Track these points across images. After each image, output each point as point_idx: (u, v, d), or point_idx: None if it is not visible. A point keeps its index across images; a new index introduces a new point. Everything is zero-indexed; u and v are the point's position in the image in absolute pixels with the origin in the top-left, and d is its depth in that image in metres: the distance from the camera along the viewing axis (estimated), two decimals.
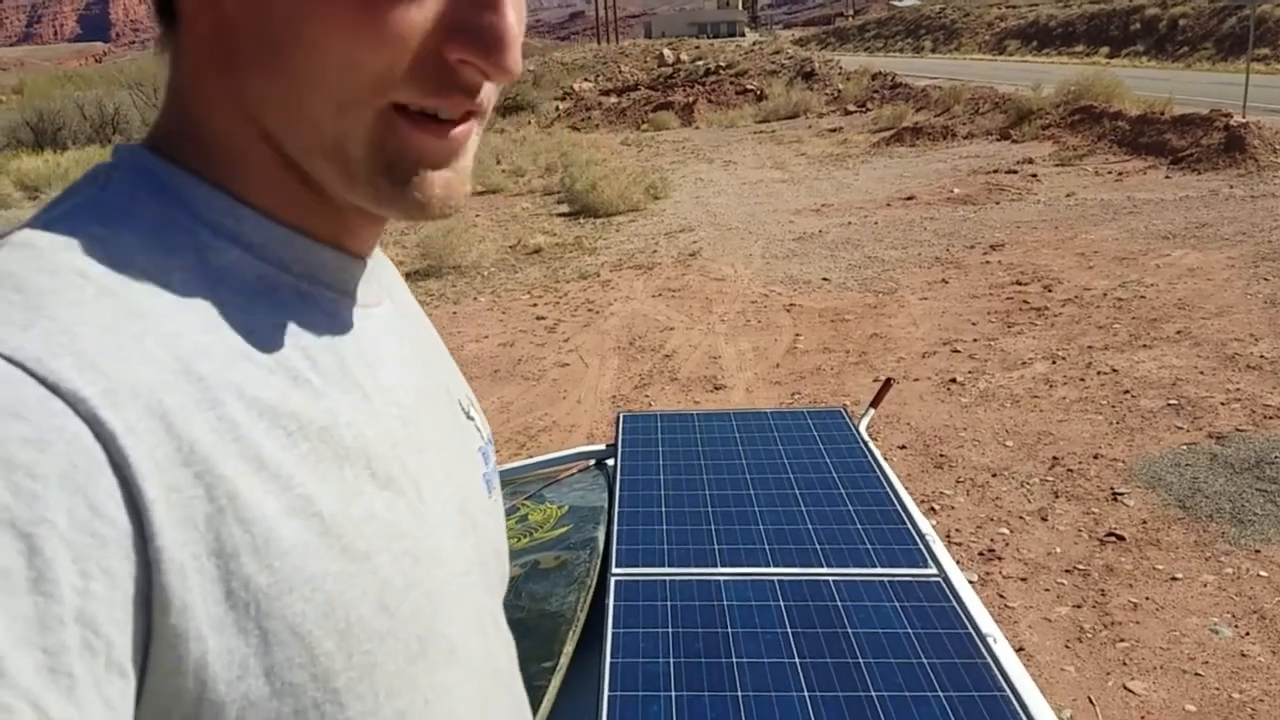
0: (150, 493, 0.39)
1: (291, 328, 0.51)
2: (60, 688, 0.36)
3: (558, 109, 26.61)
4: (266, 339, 0.49)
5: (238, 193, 0.51)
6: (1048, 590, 3.48)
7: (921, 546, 1.58)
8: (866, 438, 2.00)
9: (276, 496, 0.45)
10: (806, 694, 1.23)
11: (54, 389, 0.38)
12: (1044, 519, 3.95)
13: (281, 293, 0.51)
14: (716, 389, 5.64)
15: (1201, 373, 5.20)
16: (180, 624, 0.40)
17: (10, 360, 0.38)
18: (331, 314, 0.54)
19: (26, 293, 0.41)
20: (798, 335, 6.45)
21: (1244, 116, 11.50)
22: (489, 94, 0.51)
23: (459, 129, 0.50)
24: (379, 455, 0.51)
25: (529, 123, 24.44)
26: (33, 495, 0.36)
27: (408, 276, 8.72)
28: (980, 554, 3.73)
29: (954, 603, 1.41)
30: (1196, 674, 2.98)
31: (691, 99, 23.74)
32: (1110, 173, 11.16)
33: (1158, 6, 35.05)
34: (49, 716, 0.35)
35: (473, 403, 0.71)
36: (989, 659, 1.27)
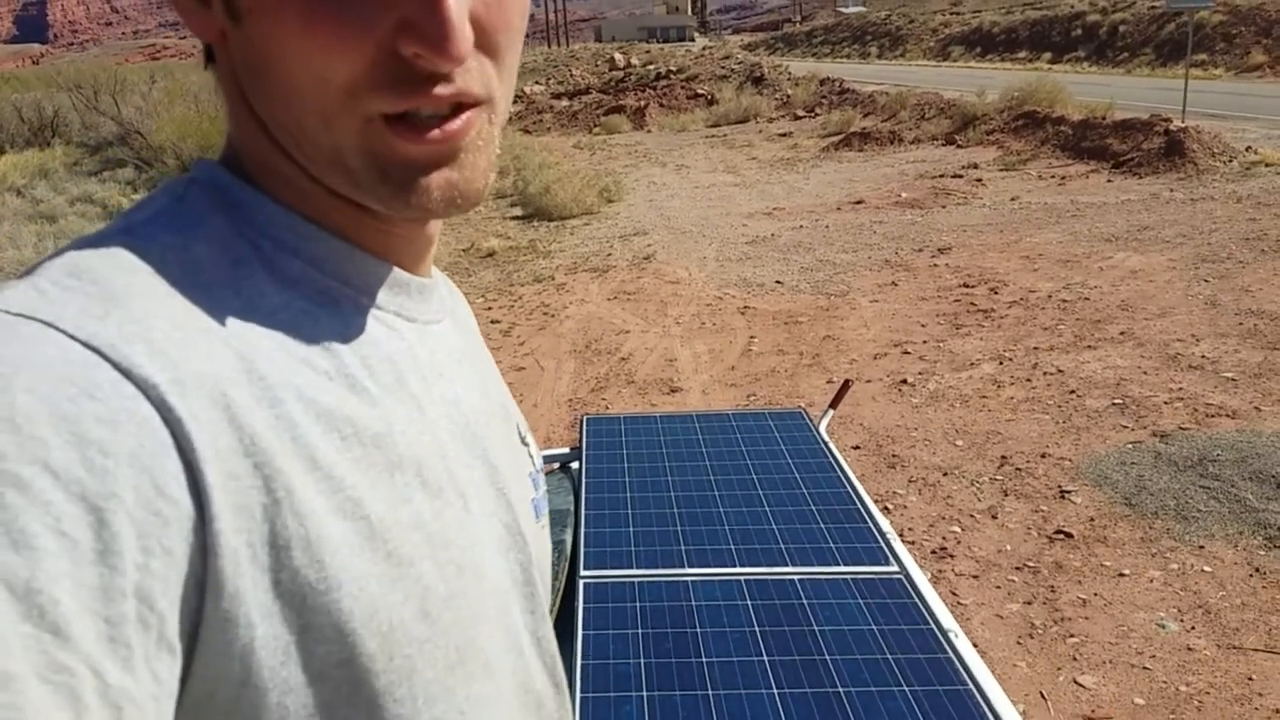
0: (211, 478, 0.41)
1: (351, 338, 0.53)
2: (118, 657, 0.37)
3: (509, 112, 26.53)
4: (326, 347, 0.51)
5: (300, 209, 0.54)
6: (999, 587, 3.55)
7: (883, 544, 1.61)
8: (826, 438, 2.04)
9: (328, 496, 0.46)
10: (775, 691, 1.25)
11: (126, 373, 0.41)
12: (994, 517, 4.03)
13: (342, 305, 0.54)
14: (673, 391, 5.67)
15: (1145, 372, 5.33)
16: (231, 609, 0.42)
17: (87, 345, 0.41)
18: (390, 327, 0.56)
19: (104, 286, 0.44)
20: (752, 337, 6.50)
21: (1183, 121, 11.82)
22: (479, 83, 0.52)
23: (452, 125, 0.51)
24: (429, 465, 0.53)
25: None
26: (104, 471, 0.38)
27: None
28: (933, 552, 3.80)
29: (916, 599, 1.44)
30: (1145, 668, 3.06)
31: (643, 103, 23.80)
32: (1054, 177, 11.40)
33: (1099, 13, 35.84)
34: (106, 683, 0.36)
35: (528, 430, 0.73)
36: (951, 654, 1.31)
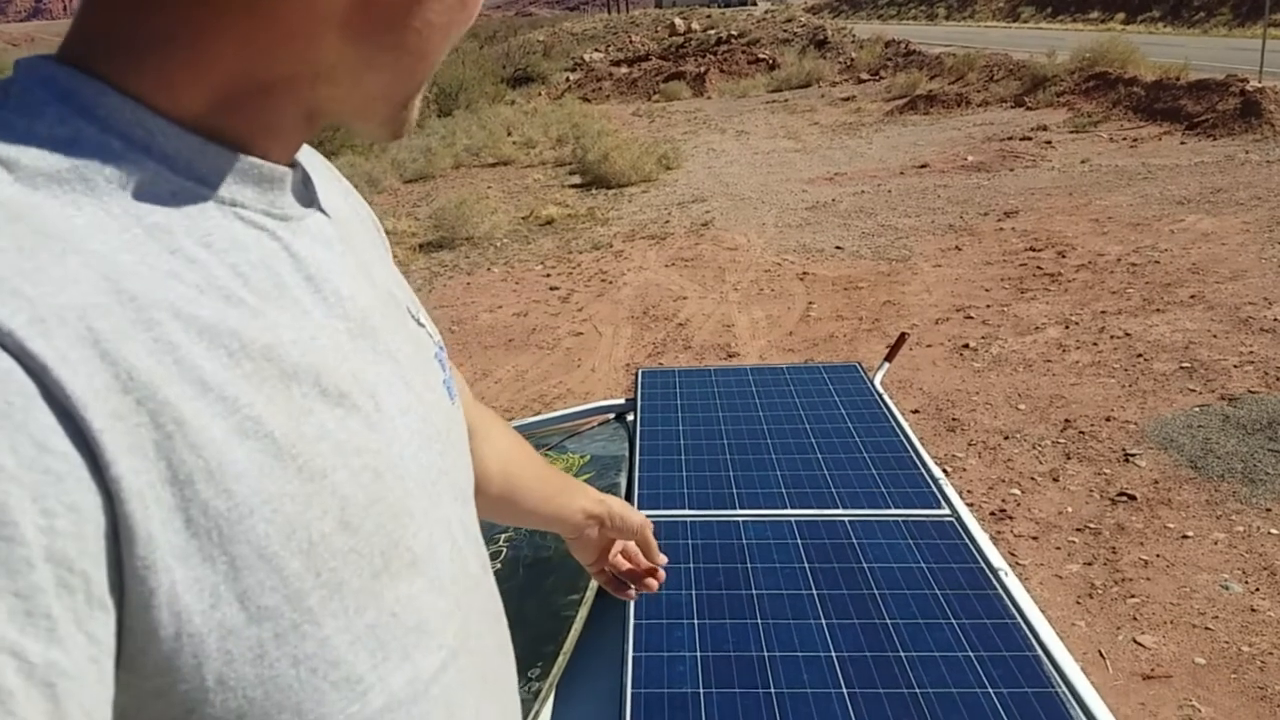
0: (96, 422, 0.38)
1: (218, 245, 0.47)
2: (39, 630, 0.35)
3: (568, 80, 26.48)
4: (191, 258, 0.45)
5: (156, 102, 0.46)
6: (1059, 549, 3.52)
7: (935, 489, 1.62)
8: (881, 390, 2.04)
9: (224, 419, 0.43)
10: (824, 622, 1.28)
11: None
12: (1055, 480, 3.99)
13: (202, 207, 0.48)
14: (730, 356, 5.68)
15: (1215, 336, 5.20)
16: (147, 554, 0.39)
17: None
18: (259, 228, 0.50)
19: None
20: (811, 303, 6.47)
21: (1260, 82, 11.39)
22: None
23: None
24: (328, 371, 0.50)
25: (539, 94, 24.36)
26: None
27: (421, 248, 8.78)
28: (992, 514, 3.78)
29: (966, 540, 1.45)
30: (1206, 628, 3.03)
31: (703, 69, 23.58)
32: (1125, 139, 11.09)
33: None
34: (29, 661, 0.34)
35: (419, 308, 0.70)
36: (1000, 590, 1.32)
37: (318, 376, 0.49)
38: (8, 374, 0.36)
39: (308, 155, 0.63)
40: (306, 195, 0.57)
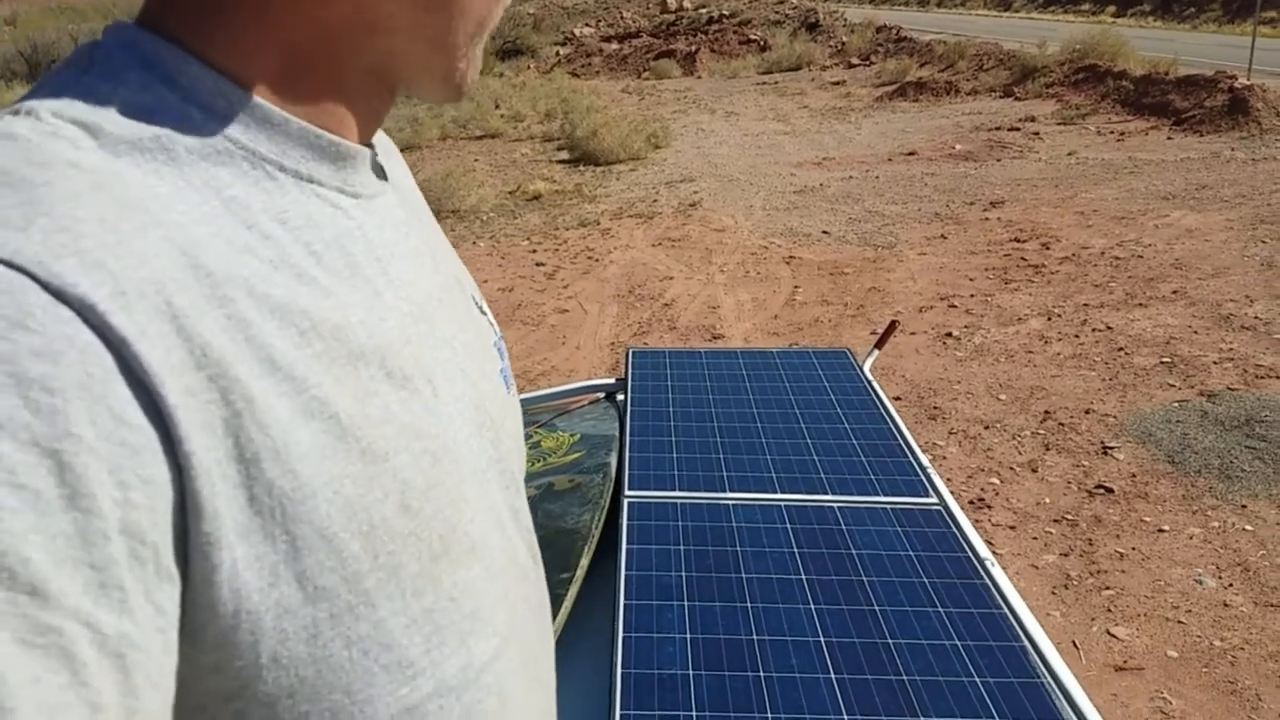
0: (171, 398, 0.38)
1: (293, 222, 0.48)
2: (112, 602, 0.35)
3: (558, 54, 26.30)
4: (267, 234, 0.46)
5: (235, 72, 0.47)
6: (1035, 539, 3.56)
7: (923, 478, 1.63)
8: (870, 377, 2.05)
9: (291, 399, 0.43)
10: (813, 607, 1.28)
11: (59, 295, 0.36)
12: (1034, 470, 4.02)
13: (281, 184, 0.48)
14: (715, 338, 5.69)
15: (1196, 332, 5.25)
16: (212, 530, 0.39)
17: (11, 265, 0.36)
18: (334, 206, 0.51)
19: (19, 188, 0.38)
20: (796, 287, 6.48)
21: (1249, 79, 11.45)
22: None
23: None
24: (393, 353, 0.50)
25: (528, 67, 24.18)
26: (53, 410, 0.34)
27: None
28: (970, 502, 3.81)
29: (954, 529, 1.46)
30: (1179, 622, 3.07)
31: (694, 48, 23.47)
32: (1112, 132, 11.14)
33: None
34: (102, 633, 0.34)
35: (482, 297, 0.70)
36: (987, 580, 1.33)
37: (384, 358, 0.49)
38: (89, 346, 0.36)
39: (379, 136, 0.63)
40: (380, 175, 0.57)
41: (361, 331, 0.48)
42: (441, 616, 0.50)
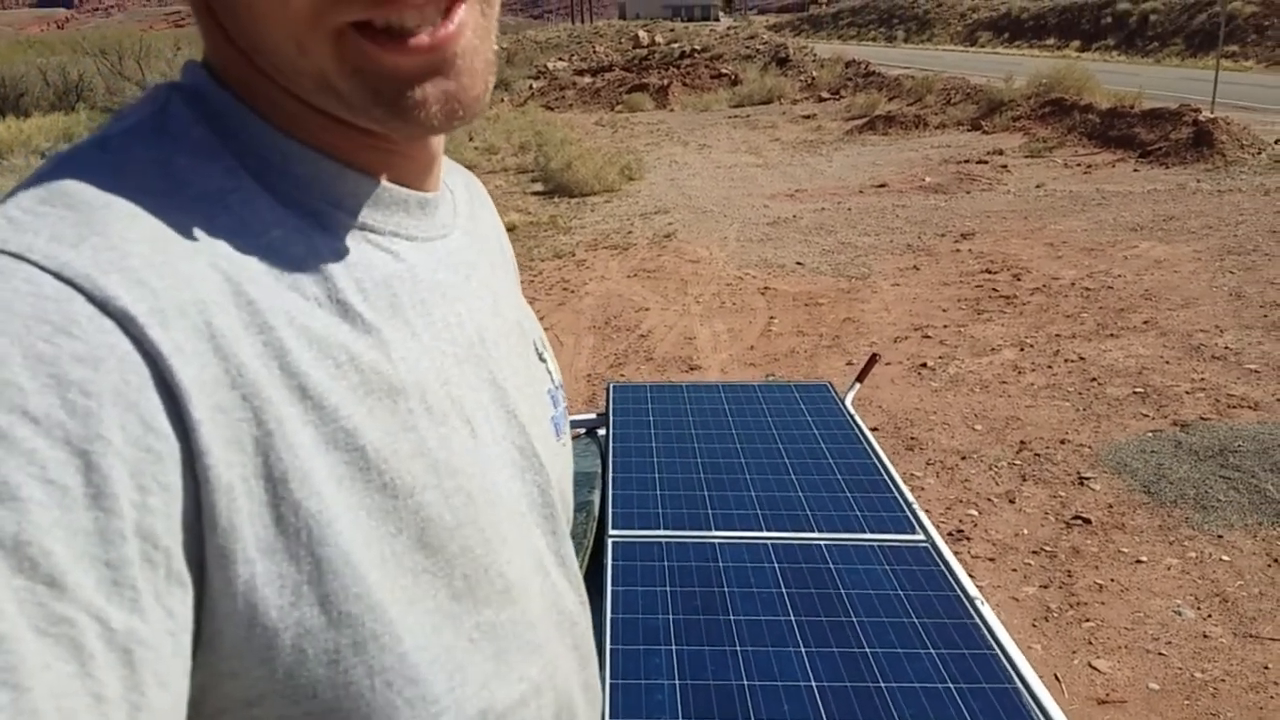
0: (196, 413, 0.39)
1: (344, 262, 0.50)
2: (124, 600, 0.36)
3: (531, 87, 26.43)
4: (318, 272, 0.48)
5: (286, 129, 0.50)
6: (1015, 570, 3.55)
7: (909, 514, 1.62)
8: (852, 410, 2.04)
9: (316, 427, 0.44)
10: (803, 650, 1.26)
11: (103, 306, 0.38)
12: (1011, 501, 4.02)
13: (334, 228, 0.50)
14: (691, 369, 5.68)
15: (1167, 362, 5.30)
16: (227, 545, 0.40)
17: (59, 277, 0.38)
18: (386, 250, 0.52)
19: (78, 210, 0.41)
20: (772, 318, 6.49)
21: (1213, 112, 11.68)
22: None
23: (443, 30, 0.47)
24: (430, 391, 0.51)
25: (502, 100, 24.27)
26: (87, 412, 0.36)
27: None
28: (949, 534, 3.80)
29: (942, 567, 1.45)
30: (1160, 654, 3.06)
31: (666, 81, 23.67)
32: (1079, 165, 11.30)
33: (1129, 1, 35.39)
34: (111, 628, 0.35)
35: (545, 345, 0.71)
36: (977, 619, 1.31)
37: (424, 394, 0.51)
38: (126, 355, 0.38)
39: (464, 180, 0.67)
40: (445, 221, 0.59)
41: (401, 367, 0.49)
42: (463, 656, 0.50)
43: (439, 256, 0.57)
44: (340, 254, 0.50)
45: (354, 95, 0.47)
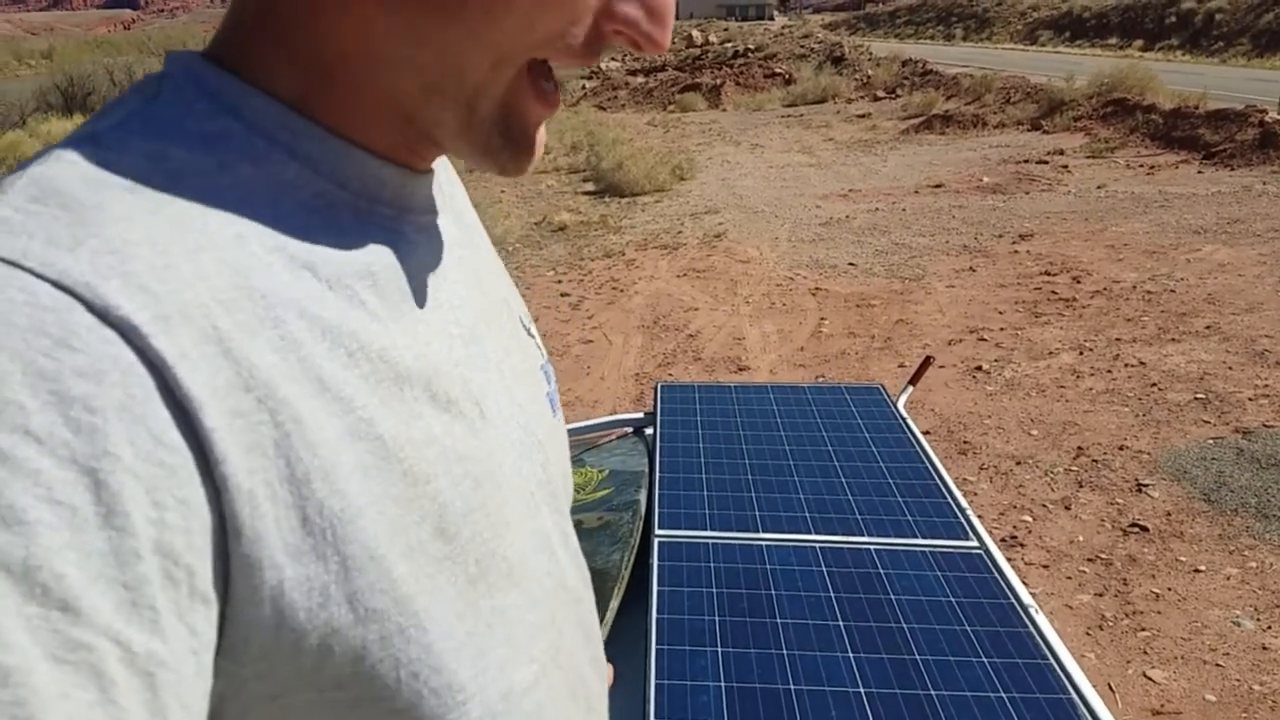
0: (209, 421, 0.38)
1: (349, 246, 0.48)
2: (144, 621, 0.35)
3: (584, 88, 26.51)
4: (324, 257, 0.47)
5: (297, 105, 0.48)
6: (1069, 578, 3.49)
7: (962, 519, 1.59)
8: (905, 414, 2.01)
9: (339, 419, 0.43)
10: (851, 655, 1.25)
11: (103, 316, 0.37)
12: (1067, 508, 3.95)
13: (338, 210, 0.49)
14: (740, 370, 5.65)
15: (1230, 368, 5.17)
16: (253, 553, 0.39)
17: (58, 285, 0.36)
18: (390, 231, 0.51)
19: (73, 209, 0.39)
20: (823, 319, 6.44)
21: (1279, 113, 11.37)
22: None
23: (558, 95, 0.52)
24: (439, 376, 0.50)
25: None
26: (93, 429, 0.35)
27: None
28: (1002, 540, 3.74)
29: (995, 574, 1.42)
30: (1217, 665, 2.99)
31: (719, 81, 23.59)
32: (1142, 166, 11.06)
33: (1194, 0, 34.56)
34: (132, 651, 0.34)
35: (530, 320, 0.70)
36: (1031, 628, 1.29)
37: (429, 381, 0.50)
38: (130, 368, 0.37)
39: (443, 161, 0.64)
40: (437, 201, 0.58)
41: (408, 354, 0.48)
42: (483, 641, 0.50)
43: (435, 237, 0.56)
44: (346, 238, 0.48)
45: (487, 120, 0.49)
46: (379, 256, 0.50)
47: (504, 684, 0.52)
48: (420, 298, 0.52)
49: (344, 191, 0.49)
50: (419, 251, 0.53)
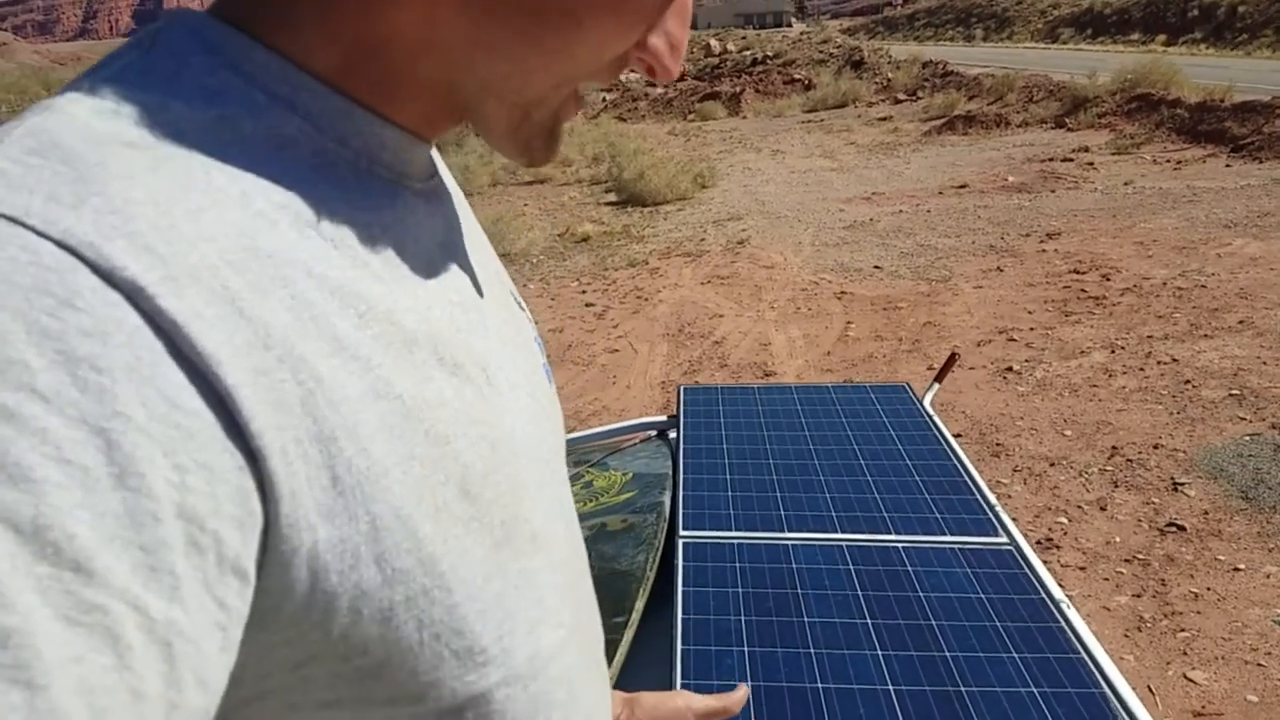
0: (231, 378, 0.37)
1: (352, 206, 0.47)
2: (162, 586, 0.33)
3: (604, 100, 26.60)
4: (326, 217, 0.45)
5: (300, 60, 0.46)
6: (1107, 579, 3.43)
7: (990, 516, 1.56)
8: (931, 411, 1.99)
9: (359, 377, 0.42)
10: (879, 653, 1.23)
11: (108, 277, 0.35)
12: (1103, 508, 3.89)
13: (339, 169, 0.47)
14: (767, 375, 5.62)
15: (1264, 363, 5.08)
16: (291, 513, 0.38)
17: (61, 245, 0.35)
18: (390, 195, 0.50)
19: (73, 164, 0.38)
20: (849, 323, 6.40)
21: None
22: None
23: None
24: (444, 340, 0.49)
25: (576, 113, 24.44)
26: (101, 389, 0.33)
27: None
28: (1038, 542, 3.69)
29: (1026, 570, 1.40)
30: (1259, 665, 2.93)
31: (739, 89, 23.60)
32: (1169, 161, 10.93)
33: None
34: (149, 617, 0.33)
35: (517, 292, 0.69)
36: (1063, 623, 1.26)
37: (435, 345, 0.48)
38: (137, 330, 0.35)
39: None
40: (434, 165, 0.58)
41: (412, 317, 0.47)
42: (511, 603, 0.50)
43: (434, 204, 0.56)
44: (348, 198, 0.47)
45: (537, 125, 0.52)
46: (379, 218, 0.49)
47: (531, 647, 0.51)
48: (419, 262, 0.51)
49: (344, 149, 0.48)
50: (418, 215, 0.52)
